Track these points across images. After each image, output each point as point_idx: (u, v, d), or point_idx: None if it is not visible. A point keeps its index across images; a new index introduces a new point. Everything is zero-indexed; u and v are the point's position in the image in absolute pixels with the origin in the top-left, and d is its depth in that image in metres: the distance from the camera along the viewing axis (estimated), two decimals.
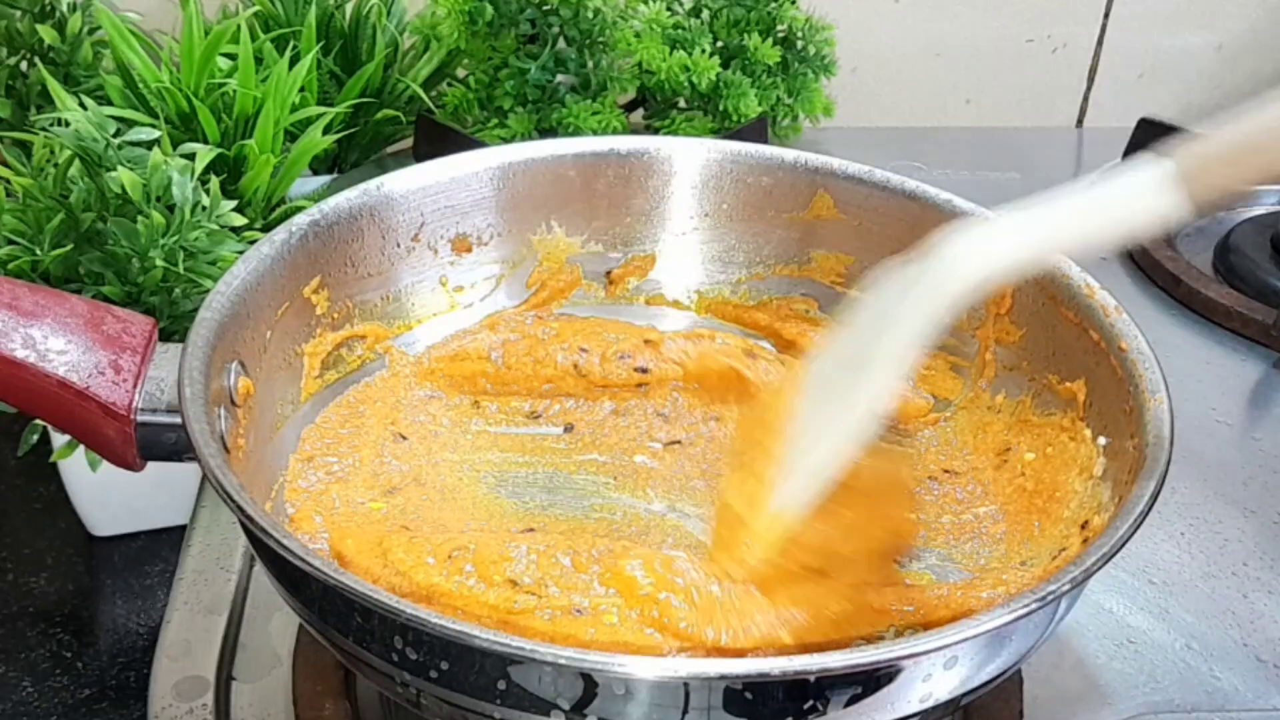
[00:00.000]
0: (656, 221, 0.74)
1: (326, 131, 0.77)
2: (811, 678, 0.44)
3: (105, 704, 0.63)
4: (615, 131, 0.92)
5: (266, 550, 0.48)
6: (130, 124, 0.68)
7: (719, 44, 0.97)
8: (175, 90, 0.71)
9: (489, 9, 0.90)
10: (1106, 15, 1.14)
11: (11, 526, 0.73)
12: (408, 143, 0.94)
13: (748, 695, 0.44)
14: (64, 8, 0.77)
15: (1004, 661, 0.49)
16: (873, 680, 0.45)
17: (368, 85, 0.87)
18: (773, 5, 0.98)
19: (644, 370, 0.68)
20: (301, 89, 0.76)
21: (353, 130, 0.89)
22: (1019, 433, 0.65)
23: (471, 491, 0.62)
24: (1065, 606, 0.51)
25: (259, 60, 0.76)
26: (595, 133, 0.91)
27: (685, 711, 0.44)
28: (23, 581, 0.70)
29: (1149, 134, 1.03)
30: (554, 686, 0.44)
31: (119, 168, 0.63)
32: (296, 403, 0.63)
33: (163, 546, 0.71)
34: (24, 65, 0.77)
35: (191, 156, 0.66)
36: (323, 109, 0.77)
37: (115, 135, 0.65)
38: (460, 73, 0.96)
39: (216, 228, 0.65)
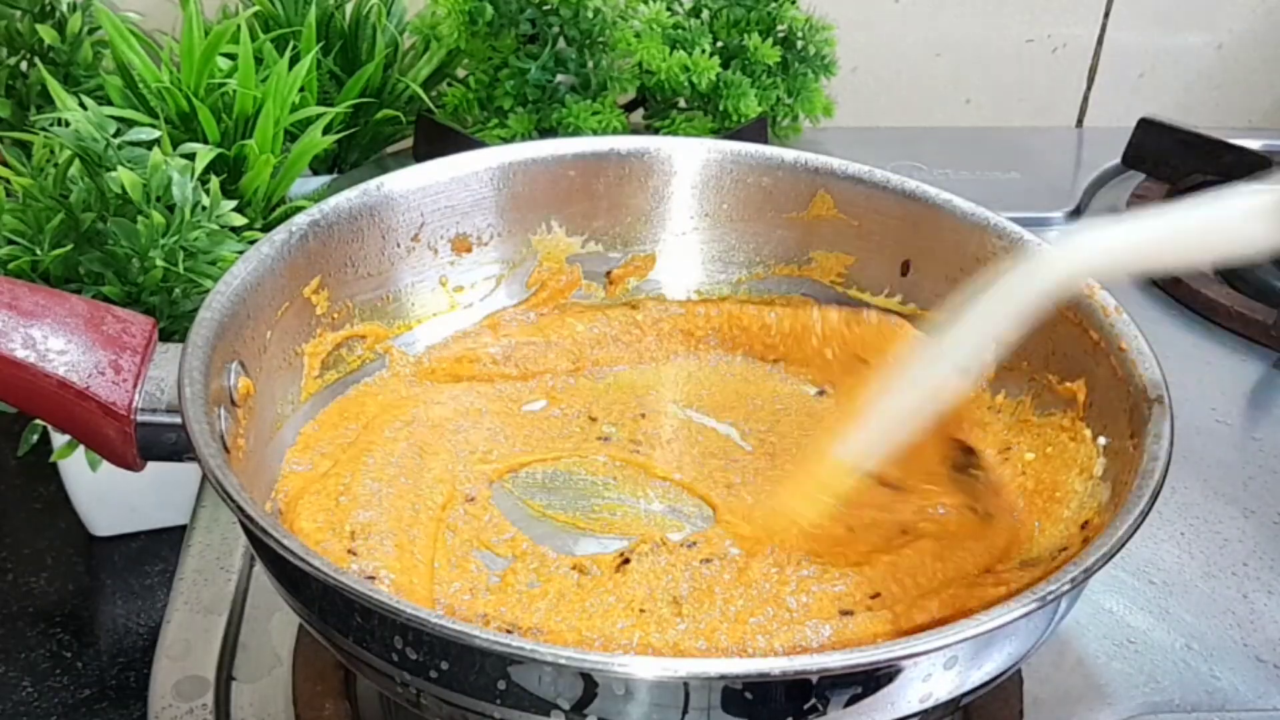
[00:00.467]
0: (656, 221, 0.74)
1: (326, 131, 0.77)
2: (811, 678, 0.44)
3: (105, 704, 0.63)
4: (615, 131, 0.92)
5: (266, 550, 0.48)
6: (130, 124, 0.68)
7: (719, 44, 0.97)
8: (175, 90, 0.71)
9: (489, 9, 0.90)
10: (1106, 15, 1.14)
11: (11, 526, 0.73)
12: (408, 143, 0.94)
13: (748, 695, 0.44)
14: (64, 8, 0.77)
15: (1004, 661, 0.49)
16: (873, 680, 0.45)
17: (368, 85, 0.87)
18: (773, 5, 0.97)
19: None
20: (301, 89, 0.76)
21: (353, 130, 0.89)
22: (1019, 433, 0.65)
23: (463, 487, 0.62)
24: (1065, 606, 0.51)
25: (259, 60, 0.76)
26: (595, 133, 0.91)
27: (685, 711, 0.44)
28: (23, 581, 0.70)
29: (1149, 134, 1.03)
30: (554, 686, 0.44)
31: (119, 168, 0.63)
32: (296, 403, 0.63)
33: (163, 546, 0.71)
34: (24, 65, 0.77)
35: (191, 156, 0.66)
36: (323, 109, 0.77)
37: (115, 135, 0.65)
38: (460, 73, 0.96)
39: (216, 228, 0.65)
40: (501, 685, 0.44)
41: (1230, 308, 0.88)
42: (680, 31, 0.95)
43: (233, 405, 0.56)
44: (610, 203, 0.73)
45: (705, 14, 0.98)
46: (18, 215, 0.64)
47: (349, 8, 0.90)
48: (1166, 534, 0.71)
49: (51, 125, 0.67)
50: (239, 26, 0.73)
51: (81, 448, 0.63)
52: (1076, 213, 1.01)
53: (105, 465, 0.56)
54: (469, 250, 0.71)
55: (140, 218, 0.63)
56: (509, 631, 0.53)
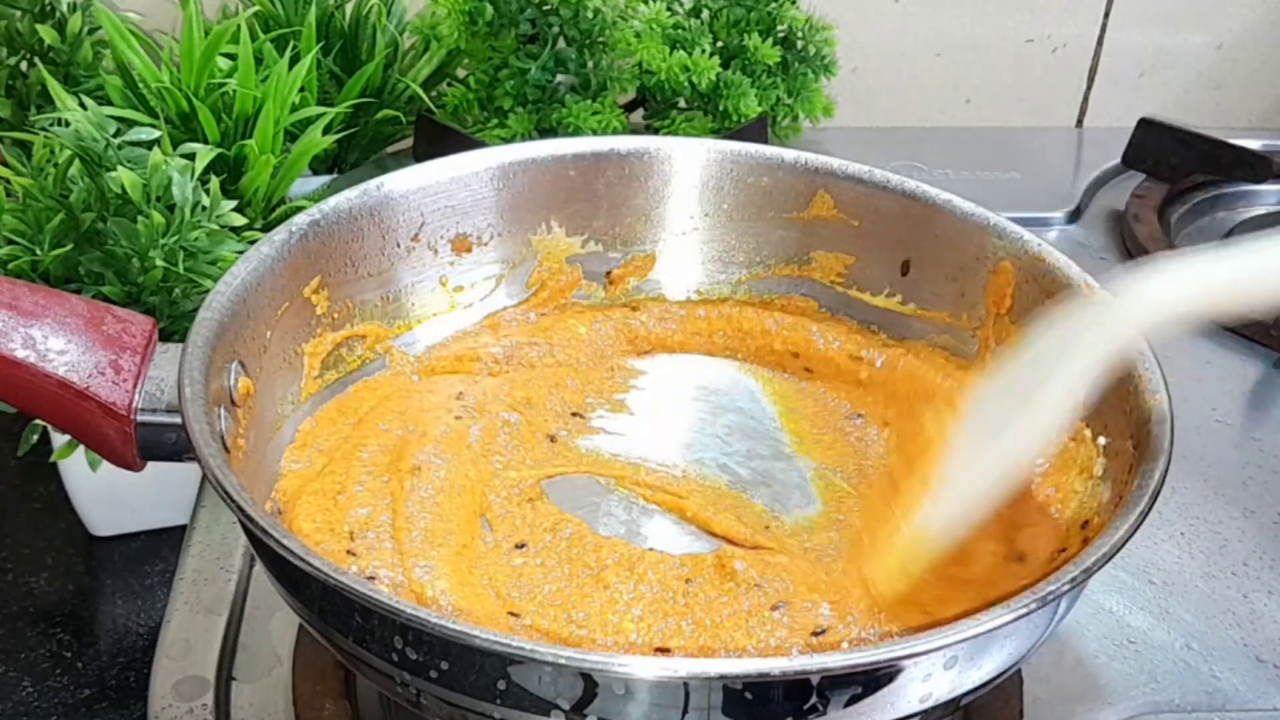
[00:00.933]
0: (656, 221, 0.74)
1: (326, 131, 0.77)
2: (811, 678, 0.44)
3: (105, 704, 0.63)
4: (615, 131, 0.92)
5: (266, 550, 0.48)
6: (130, 124, 0.68)
7: (719, 44, 0.97)
8: (175, 90, 0.71)
9: (489, 9, 0.90)
10: (1106, 15, 1.14)
11: (11, 526, 0.73)
12: (408, 143, 0.94)
13: (748, 695, 0.44)
14: (64, 8, 0.77)
15: (1004, 661, 0.49)
16: (873, 680, 0.45)
17: (368, 85, 0.87)
18: (773, 5, 0.98)
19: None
20: (301, 89, 0.76)
21: (353, 130, 0.89)
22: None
23: (462, 486, 0.62)
24: (1065, 606, 0.51)
25: (259, 60, 0.76)
26: (595, 133, 0.91)
27: (685, 711, 0.44)
28: (23, 581, 0.70)
29: (1149, 134, 1.03)
30: (554, 686, 0.44)
31: (119, 168, 0.63)
32: (297, 403, 0.63)
33: (163, 546, 0.71)
34: (24, 65, 0.77)
35: (191, 156, 0.66)
36: (323, 109, 0.77)
37: (115, 135, 0.65)
38: (460, 73, 0.96)
39: (216, 228, 0.65)
40: (501, 685, 0.44)
41: None
42: (680, 31, 0.95)
43: (233, 405, 0.56)
44: (610, 203, 0.73)
45: (705, 14, 0.98)
46: (18, 215, 0.64)
47: (349, 8, 0.90)
48: (1166, 534, 0.71)
49: (51, 125, 0.67)
50: (239, 26, 0.73)
51: (81, 448, 0.63)
52: (1076, 213, 1.02)
53: (105, 465, 0.56)
54: (469, 250, 0.71)
55: (140, 218, 0.63)
56: (513, 615, 0.53)
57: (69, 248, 0.64)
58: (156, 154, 0.64)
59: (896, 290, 0.71)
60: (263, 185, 0.72)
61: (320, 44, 0.84)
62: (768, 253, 0.74)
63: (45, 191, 0.64)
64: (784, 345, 0.72)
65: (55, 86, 0.69)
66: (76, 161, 0.65)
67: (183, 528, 0.68)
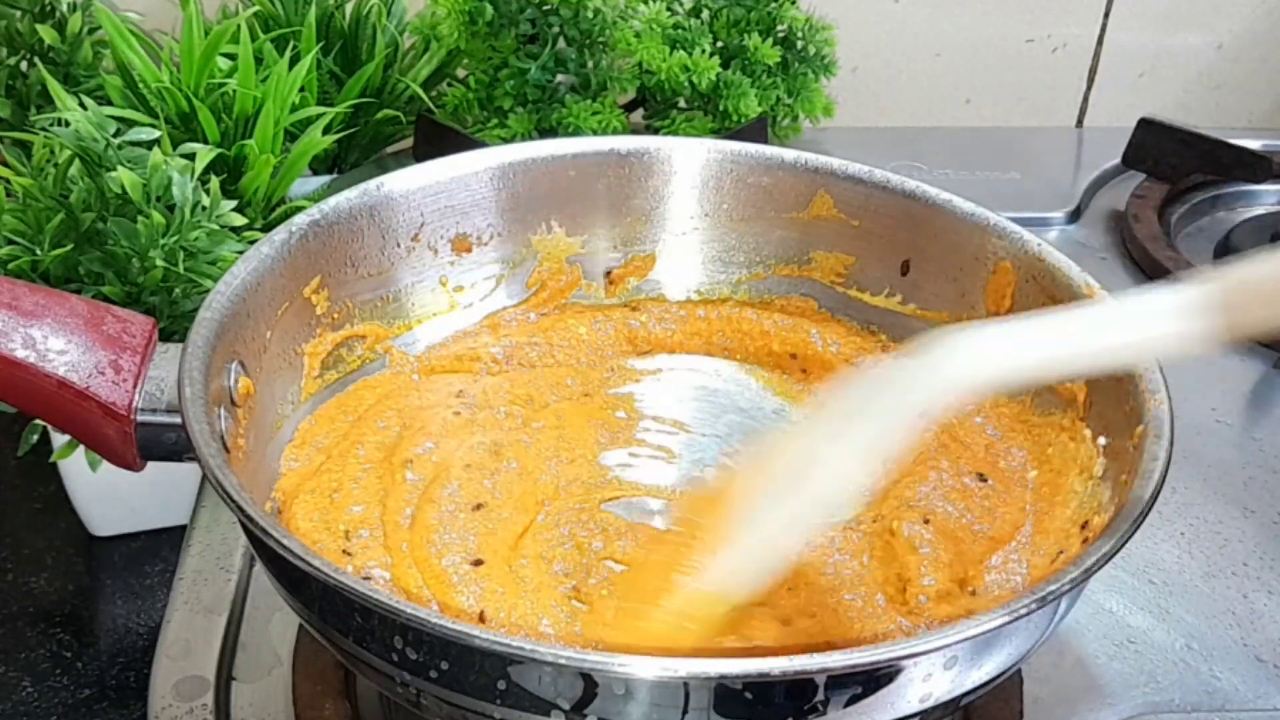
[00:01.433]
0: (656, 221, 0.74)
1: (326, 131, 0.77)
2: (811, 678, 0.44)
3: (105, 704, 0.63)
4: (615, 131, 0.92)
5: (266, 550, 0.48)
6: (130, 124, 0.68)
7: (719, 44, 0.97)
8: (175, 90, 0.71)
9: (489, 9, 0.90)
10: (1106, 15, 1.14)
11: (11, 526, 0.73)
12: (408, 143, 0.94)
13: (748, 695, 0.44)
14: (64, 8, 0.77)
15: (1004, 661, 0.49)
16: (873, 680, 0.45)
17: (368, 85, 0.87)
18: (773, 5, 0.97)
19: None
20: (301, 89, 0.76)
21: (353, 130, 0.89)
22: (1019, 433, 0.65)
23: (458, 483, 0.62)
24: (1065, 606, 0.51)
25: (259, 60, 0.76)
26: (595, 133, 0.91)
27: (685, 711, 0.44)
28: (23, 581, 0.70)
29: (1149, 134, 1.03)
30: (554, 686, 0.44)
31: (119, 168, 0.63)
32: (297, 403, 0.63)
33: (163, 546, 0.71)
34: (24, 65, 0.77)
35: (191, 156, 0.66)
36: (323, 109, 0.77)
37: (115, 135, 0.65)
38: (460, 73, 0.96)
39: (216, 228, 0.65)
40: (501, 685, 0.44)
41: None
42: (680, 31, 0.95)
43: (233, 405, 0.56)
44: (610, 203, 0.73)
45: (705, 14, 0.98)
46: (18, 215, 0.64)
47: (349, 8, 0.90)
48: (1166, 534, 0.71)
49: (51, 125, 0.67)
50: (239, 26, 0.73)
51: (81, 448, 0.63)
52: (1076, 213, 1.02)
53: (105, 465, 0.56)
54: (469, 250, 0.71)
55: (140, 218, 0.63)
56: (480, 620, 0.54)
57: (69, 248, 0.64)
58: (156, 154, 0.64)
59: (896, 290, 0.71)
60: (263, 185, 0.72)
61: (320, 44, 0.84)
62: (768, 253, 0.74)
63: (45, 191, 0.64)
64: (784, 346, 0.72)
65: (55, 86, 0.69)
66: (76, 161, 0.65)
67: (183, 528, 0.68)
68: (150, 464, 0.55)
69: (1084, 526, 0.56)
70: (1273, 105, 1.20)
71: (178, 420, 0.50)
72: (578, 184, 0.72)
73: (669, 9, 0.96)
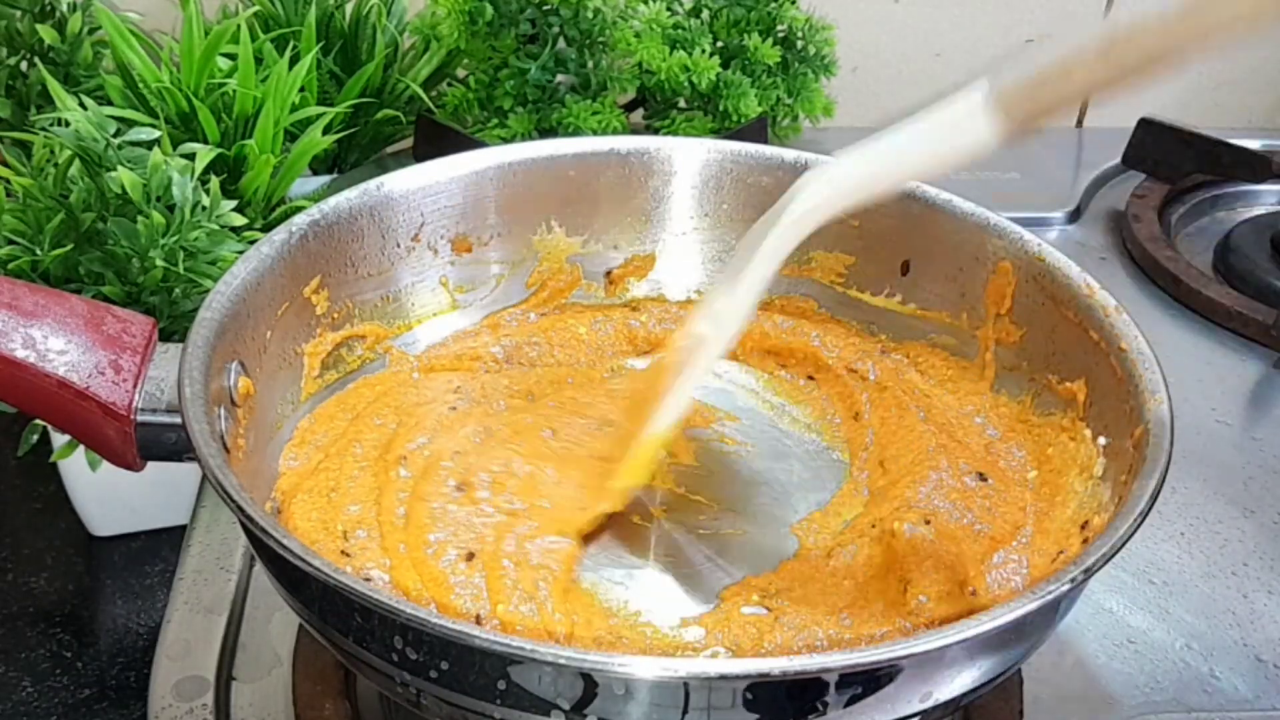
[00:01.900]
0: (656, 221, 0.74)
1: (326, 131, 0.77)
2: (812, 678, 0.44)
3: (105, 704, 0.63)
4: (615, 131, 0.92)
5: (266, 550, 0.48)
6: (130, 124, 0.68)
7: (719, 44, 0.97)
8: (175, 90, 0.71)
9: (489, 9, 0.90)
10: (1106, 15, 1.14)
11: (11, 526, 0.73)
12: (408, 143, 0.94)
13: (748, 695, 0.44)
14: (64, 8, 0.77)
15: (1004, 661, 0.49)
16: (873, 680, 0.45)
17: (368, 85, 0.87)
18: (773, 5, 0.97)
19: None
20: (301, 89, 0.76)
21: (353, 130, 0.89)
22: (1019, 433, 0.65)
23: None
24: (1065, 606, 0.51)
25: (259, 60, 0.76)
26: (595, 133, 0.91)
27: (685, 711, 0.44)
28: (23, 581, 0.70)
29: (1149, 134, 1.03)
30: (554, 686, 0.44)
31: (119, 168, 0.63)
32: (297, 403, 0.63)
33: (163, 546, 0.71)
34: (24, 65, 0.77)
35: (191, 156, 0.66)
36: (323, 109, 0.77)
37: (115, 135, 0.65)
38: (460, 73, 0.96)
39: (216, 228, 0.65)
40: (501, 685, 0.44)
41: (1230, 308, 0.88)
42: (680, 31, 0.95)
43: (233, 405, 0.56)
44: (610, 203, 0.73)
45: (705, 14, 0.98)
46: (18, 215, 0.64)
47: (349, 8, 0.90)
48: (1166, 534, 0.71)
49: (51, 125, 0.67)
50: (239, 26, 0.73)
51: (81, 448, 0.63)
52: (1076, 213, 1.02)
53: (105, 465, 0.56)
54: (469, 250, 0.71)
55: (140, 218, 0.63)
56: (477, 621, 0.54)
57: (69, 248, 0.64)
58: (156, 154, 0.64)
59: (896, 290, 0.71)
60: (263, 185, 0.72)
61: (320, 44, 0.84)
62: None
63: (45, 191, 0.64)
64: (784, 346, 0.72)
65: (55, 86, 0.69)
66: (76, 161, 0.65)
67: (183, 528, 0.68)
68: (150, 464, 0.55)
69: (1084, 526, 0.56)
70: (1273, 105, 1.20)
71: (178, 420, 0.50)
72: (578, 184, 0.72)
73: (669, 9, 0.96)
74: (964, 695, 0.48)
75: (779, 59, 0.97)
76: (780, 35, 0.99)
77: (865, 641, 0.53)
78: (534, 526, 0.58)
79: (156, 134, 0.66)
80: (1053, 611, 0.50)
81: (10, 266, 0.63)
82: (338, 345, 0.65)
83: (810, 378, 0.71)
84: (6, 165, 0.67)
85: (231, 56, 0.74)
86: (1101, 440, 0.59)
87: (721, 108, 0.95)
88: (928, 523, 0.59)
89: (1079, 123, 1.19)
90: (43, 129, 0.68)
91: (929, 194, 0.69)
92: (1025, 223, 0.67)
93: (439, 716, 0.48)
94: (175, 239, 0.63)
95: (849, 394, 0.69)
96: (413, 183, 0.68)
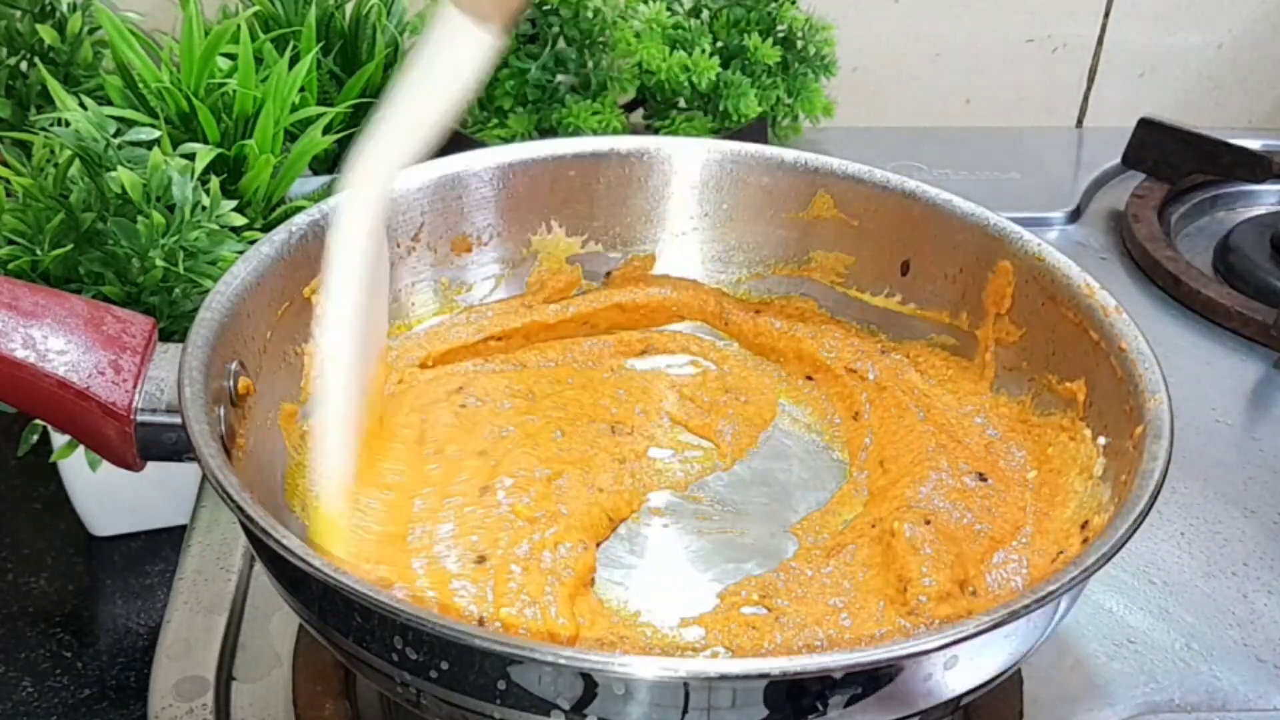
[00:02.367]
0: (656, 221, 0.74)
1: (326, 131, 0.77)
2: (812, 678, 0.44)
3: (105, 704, 0.63)
4: (615, 131, 0.92)
5: (266, 550, 0.48)
6: (130, 124, 0.68)
7: (719, 44, 0.97)
8: (175, 90, 0.71)
9: None
10: (1106, 15, 1.14)
11: (11, 526, 0.73)
12: None
13: (748, 695, 0.44)
14: (64, 8, 0.77)
15: (1004, 661, 0.49)
16: (873, 680, 0.45)
17: (368, 85, 0.87)
18: (773, 5, 0.98)
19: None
20: (301, 89, 0.76)
21: (353, 130, 0.88)
22: (1019, 433, 0.65)
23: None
24: (1065, 606, 0.51)
25: (259, 60, 0.76)
26: (595, 133, 0.91)
27: (685, 711, 0.44)
28: (23, 581, 0.70)
29: (1149, 134, 1.03)
30: (554, 686, 0.44)
31: (119, 168, 0.63)
32: (297, 402, 0.63)
33: (163, 546, 0.71)
34: (24, 65, 0.77)
35: (191, 156, 0.66)
36: (323, 109, 0.77)
37: (115, 135, 0.65)
38: None
39: (216, 228, 0.65)
40: (501, 685, 0.44)
41: (1230, 308, 0.88)
42: (680, 31, 0.95)
43: (233, 405, 0.56)
44: (610, 203, 0.73)
45: (705, 14, 0.98)
46: (18, 215, 0.64)
47: (349, 8, 0.90)
48: (1166, 534, 0.71)
49: (51, 125, 0.67)
50: (239, 26, 0.73)
51: (81, 448, 0.63)
52: (1076, 213, 1.02)
53: (105, 465, 0.56)
54: (469, 250, 0.71)
55: (140, 218, 0.63)
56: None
57: (69, 248, 0.64)
58: (156, 154, 0.64)
59: (896, 290, 0.71)
60: (263, 185, 0.72)
61: (320, 44, 0.84)
62: (768, 253, 0.74)
63: (45, 191, 0.64)
64: (783, 346, 0.72)
65: (55, 86, 0.69)
66: (76, 161, 0.65)
67: (183, 528, 0.68)
68: (150, 464, 0.55)
69: (1084, 526, 0.57)
70: (1273, 105, 1.20)
71: (178, 420, 0.50)
72: (578, 184, 0.72)
73: (669, 9, 0.96)
74: (964, 695, 0.48)
75: (779, 59, 0.97)
76: (780, 35, 0.99)
77: (865, 641, 0.53)
78: (554, 532, 0.58)
79: (156, 134, 0.66)
80: (1053, 611, 0.50)
81: (10, 266, 0.63)
82: None
83: (809, 378, 0.71)
84: (6, 165, 0.67)
85: (231, 56, 0.73)
86: (1101, 440, 0.59)
87: (721, 108, 0.95)
88: (928, 523, 0.59)
89: (1079, 123, 1.19)
90: (43, 129, 0.68)
91: (929, 194, 0.69)
92: (1025, 223, 0.67)
93: (439, 716, 0.48)
94: (175, 239, 0.63)
95: (848, 394, 0.69)
96: (413, 183, 0.68)
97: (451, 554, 0.55)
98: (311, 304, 0.63)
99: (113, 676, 0.64)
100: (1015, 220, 0.67)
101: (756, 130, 0.94)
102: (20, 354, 0.51)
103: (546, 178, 0.71)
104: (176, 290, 0.65)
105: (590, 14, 0.90)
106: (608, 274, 0.75)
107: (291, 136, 0.77)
